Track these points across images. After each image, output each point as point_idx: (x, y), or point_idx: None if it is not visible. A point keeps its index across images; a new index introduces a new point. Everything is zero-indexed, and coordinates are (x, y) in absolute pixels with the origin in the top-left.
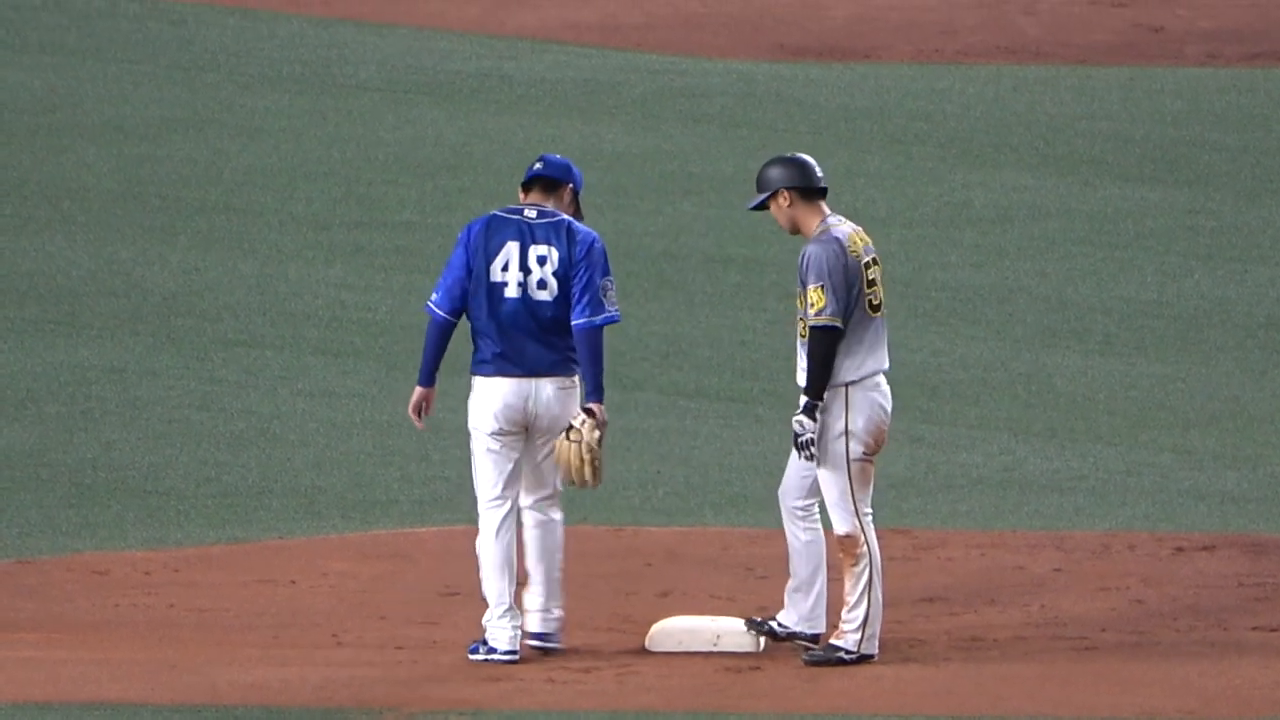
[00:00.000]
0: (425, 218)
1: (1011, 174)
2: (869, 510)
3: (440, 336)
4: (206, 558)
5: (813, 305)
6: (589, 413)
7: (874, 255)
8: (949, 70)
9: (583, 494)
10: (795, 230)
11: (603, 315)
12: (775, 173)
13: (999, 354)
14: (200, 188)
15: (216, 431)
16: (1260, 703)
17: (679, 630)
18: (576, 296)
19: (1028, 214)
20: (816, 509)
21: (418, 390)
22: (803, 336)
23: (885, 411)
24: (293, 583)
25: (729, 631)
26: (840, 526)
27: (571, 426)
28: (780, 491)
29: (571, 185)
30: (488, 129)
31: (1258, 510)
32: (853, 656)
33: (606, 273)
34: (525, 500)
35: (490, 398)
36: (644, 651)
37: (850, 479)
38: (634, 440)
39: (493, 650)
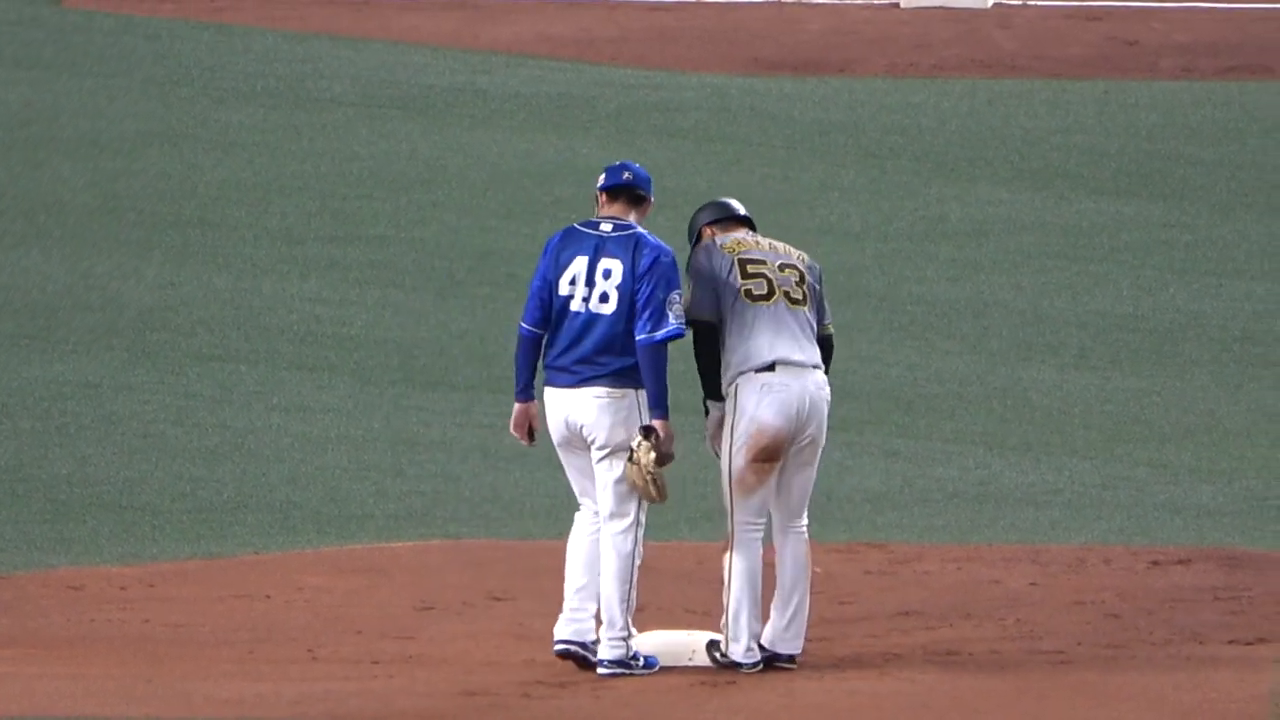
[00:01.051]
0: (400, 232)
1: (987, 188)
2: (749, 522)
3: (527, 350)
4: (182, 573)
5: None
6: (647, 430)
7: (775, 258)
8: (924, 84)
9: (557, 509)
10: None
11: (664, 330)
12: (696, 218)
13: (974, 368)
14: (175, 202)
15: (191, 446)
16: (1235, 717)
17: (655, 644)
18: (640, 310)
19: (1003, 228)
20: (804, 524)
21: (517, 407)
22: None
23: (775, 412)
24: (268, 597)
25: (704, 646)
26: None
27: (632, 449)
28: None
29: (650, 200)
30: (462, 143)
31: (1233, 524)
32: (722, 660)
33: (673, 286)
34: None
35: (548, 409)
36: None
37: (730, 482)
38: None
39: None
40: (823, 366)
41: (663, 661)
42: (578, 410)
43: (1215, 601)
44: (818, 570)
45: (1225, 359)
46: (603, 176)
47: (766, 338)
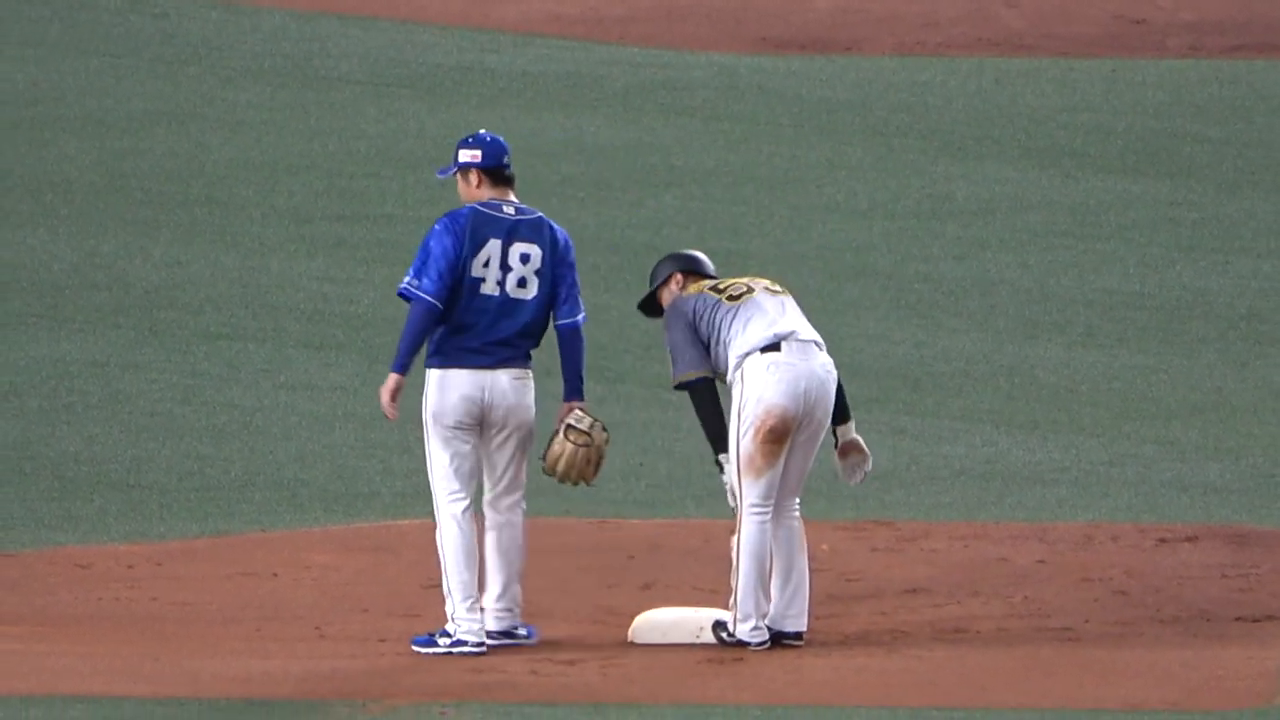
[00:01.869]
0: (407, 210)
1: (994, 166)
2: (758, 503)
3: (428, 324)
4: (189, 551)
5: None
6: (580, 411)
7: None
8: (931, 63)
9: (563, 487)
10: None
11: (581, 313)
12: (662, 267)
13: (981, 346)
14: (182, 181)
15: (199, 425)
16: (1244, 694)
17: (662, 622)
18: (562, 296)
19: (1010, 206)
20: (797, 505)
21: (395, 378)
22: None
23: (783, 391)
24: (275, 576)
25: (711, 626)
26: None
27: (572, 427)
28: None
29: None
30: (470, 122)
31: (1240, 501)
32: (730, 640)
33: (576, 268)
34: (486, 496)
35: (450, 390)
36: (627, 644)
37: (739, 461)
38: (616, 433)
39: (461, 643)
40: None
41: (670, 639)
42: (494, 391)
43: (1223, 579)
44: (825, 548)
45: (1232, 336)
46: (477, 153)
47: (763, 320)
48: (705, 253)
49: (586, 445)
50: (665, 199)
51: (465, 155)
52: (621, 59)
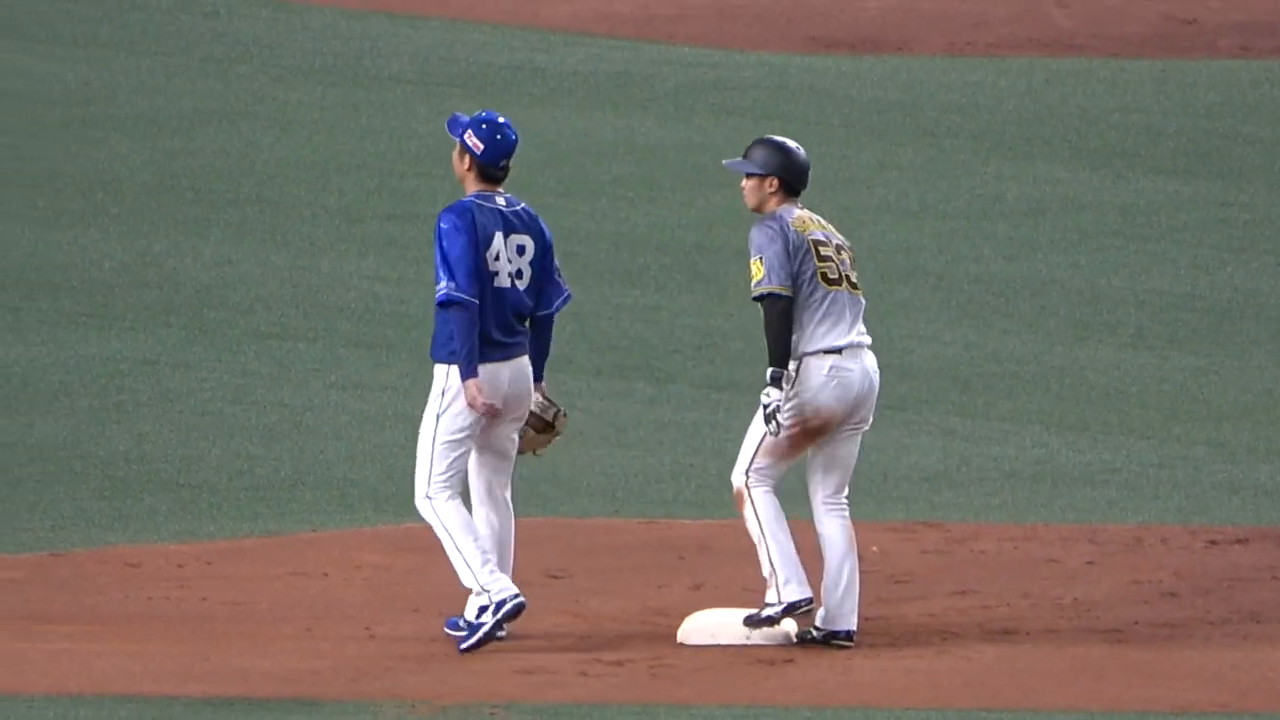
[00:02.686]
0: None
1: (1044, 166)
2: (764, 477)
3: (475, 322)
4: (239, 550)
5: (752, 278)
6: (543, 398)
7: (839, 242)
8: (982, 63)
9: (613, 488)
10: (758, 209)
11: (561, 298)
12: (775, 159)
13: (1032, 347)
14: (233, 180)
15: (249, 424)
16: None
17: (712, 623)
18: (546, 283)
19: (1060, 206)
20: (845, 500)
21: (473, 383)
22: None
23: (835, 397)
24: (325, 575)
25: (743, 621)
26: (733, 479)
27: (538, 416)
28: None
29: None
30: (520, 121)
31: None
32: (779, 609)
33: None
34: (492, 484)
35: (489, 384)
36: (677, 645)
37: (760, 440)
38: (667, 433)
39: (501, 604)
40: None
41: (719, 640)
42: (513, 380)
43: (1273, 581)
44: (874, 549)
45: None
46: (481, 146)
47: (837, 321)
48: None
49: (547, 431)
50: (715, 199)
51: (470, 140)
52: (672, 58)
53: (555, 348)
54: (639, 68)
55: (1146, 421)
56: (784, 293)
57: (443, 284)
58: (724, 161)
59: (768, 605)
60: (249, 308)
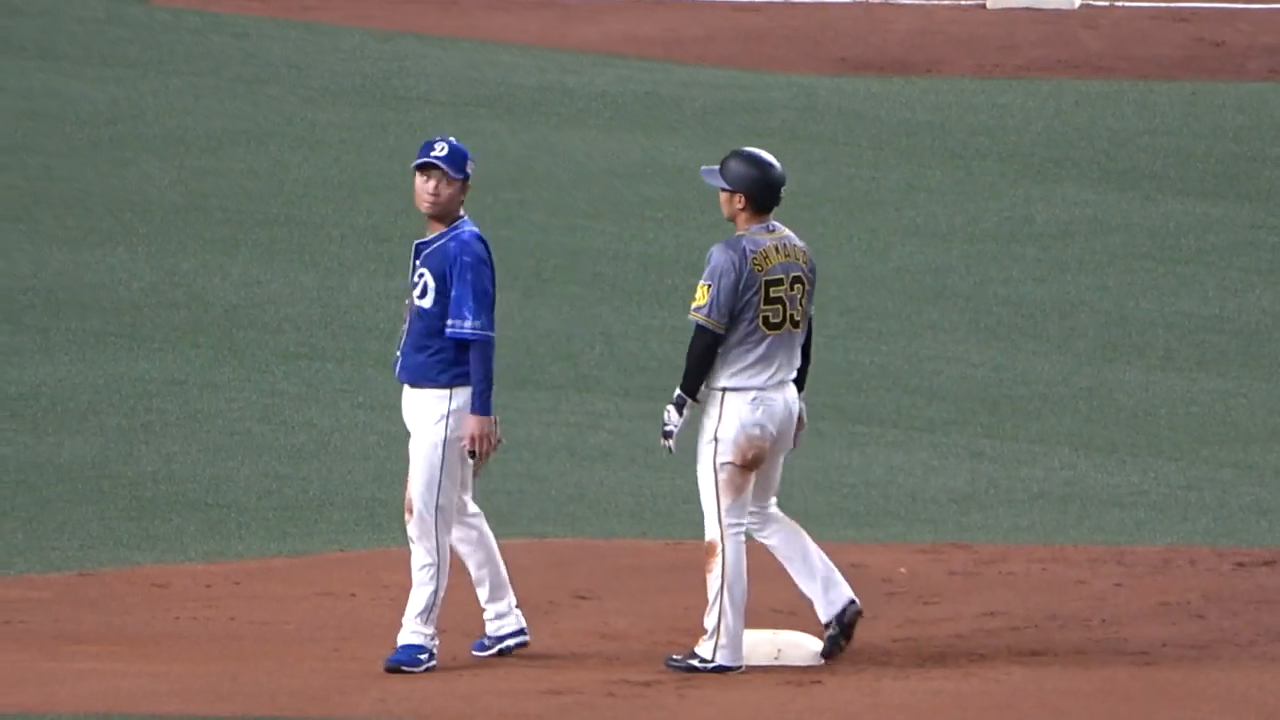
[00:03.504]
0: (486, 231)
1: (1073, 189)
2: (736, 522)
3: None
4: (267, 570)
5: (695, 301)
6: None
7: (798, 274)
8: (1010, 85)
9: (641, 509)
10: (730, 220)
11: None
12: (743, 173)
13: (1060, 369)
14: (262, 200)
15: (277, 444)
16: None
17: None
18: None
19: (1089, 229)
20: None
21: (490, 420)
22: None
23: (762, 429)
24: (353, 595)
25: (790, 645)
26: (706, 531)
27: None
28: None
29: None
30: (550, 142)
31: None
32: (708, 665)
33: None
34: (472, 508)
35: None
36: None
37: (716, 485)
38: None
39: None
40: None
41: (748, 661)
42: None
43: None
44: (902, 570)
45: None
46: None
47: (770, 362)
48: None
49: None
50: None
51: (470, 169)
52: (700, 80)
53: (584, 368)
54: (668, 89)
55: (1175, 443)
56: (718, 330)
57: (475, 322)
58: (702, 169)
59: (697, 654)
60: (277, 328)
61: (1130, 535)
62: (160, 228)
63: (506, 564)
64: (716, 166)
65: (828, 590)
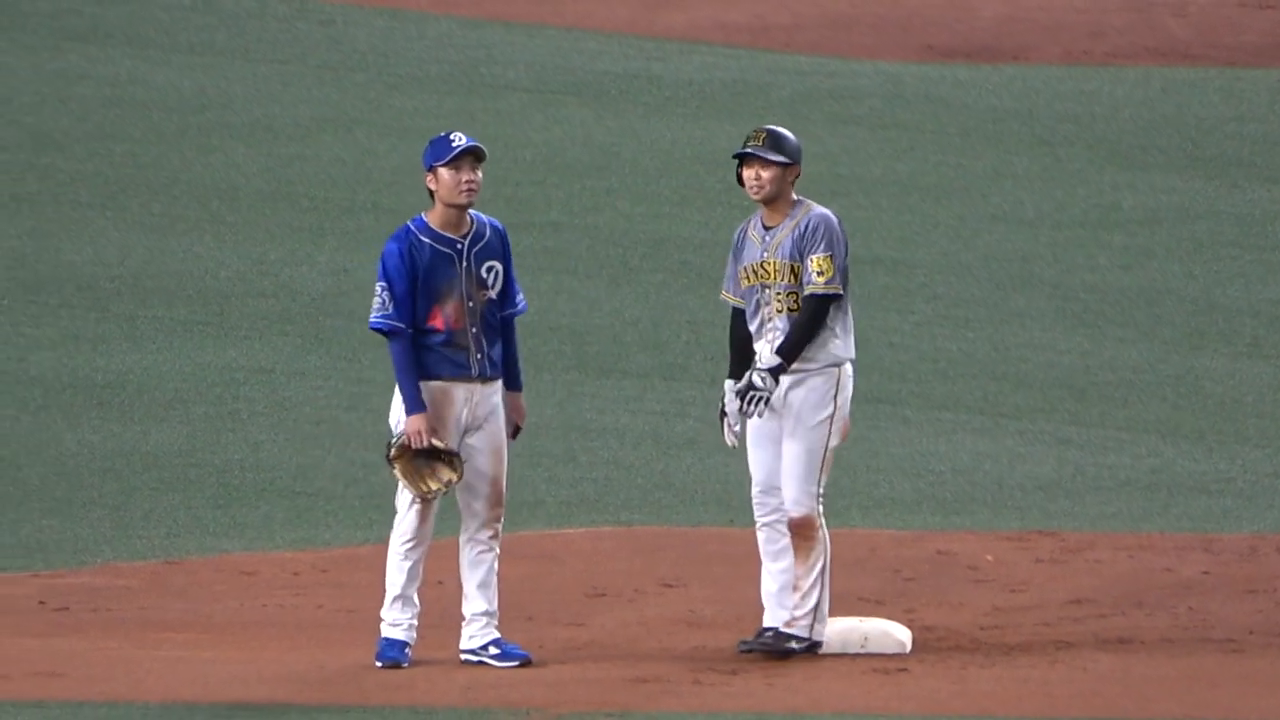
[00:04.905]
0: (573, 218)
1: (1160, 176)
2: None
3: None
4: (354, 558)
5: (821, 273)
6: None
7: None
8: (1097, 72)
9: (729, 496)
10: (772, 200)
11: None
12: (798, 145)
13: (1147, 356)
14: (349, 188)
15: (365, 432)
16: None
17: (827, 632)
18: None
19: (1176, 216)
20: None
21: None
22: (791, 312)
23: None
24: (440, 583)
25: (877, 633)
26: (797, 509)
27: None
28: (758, 491)
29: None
30: (636, 130)
31: None
32: (804, 645)
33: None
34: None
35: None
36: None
37: (823, 463)
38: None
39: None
40: None
41: (834, 649)
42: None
43: None
44: (989, 558)
45: None
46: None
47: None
48: (870, 261)
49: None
50: (831, 207)
51: None
52: (787, 67)
53: (670, 356)
54: (755, 76)
55: (1262, 431)
56: (843, 294)
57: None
58: (747, 148)
59: (793, 635)
60: (365, 316)
61: (1217, 523)
62: (247, 216)
63: (598, 552)
64: (751, 148)
65: (781, 600)
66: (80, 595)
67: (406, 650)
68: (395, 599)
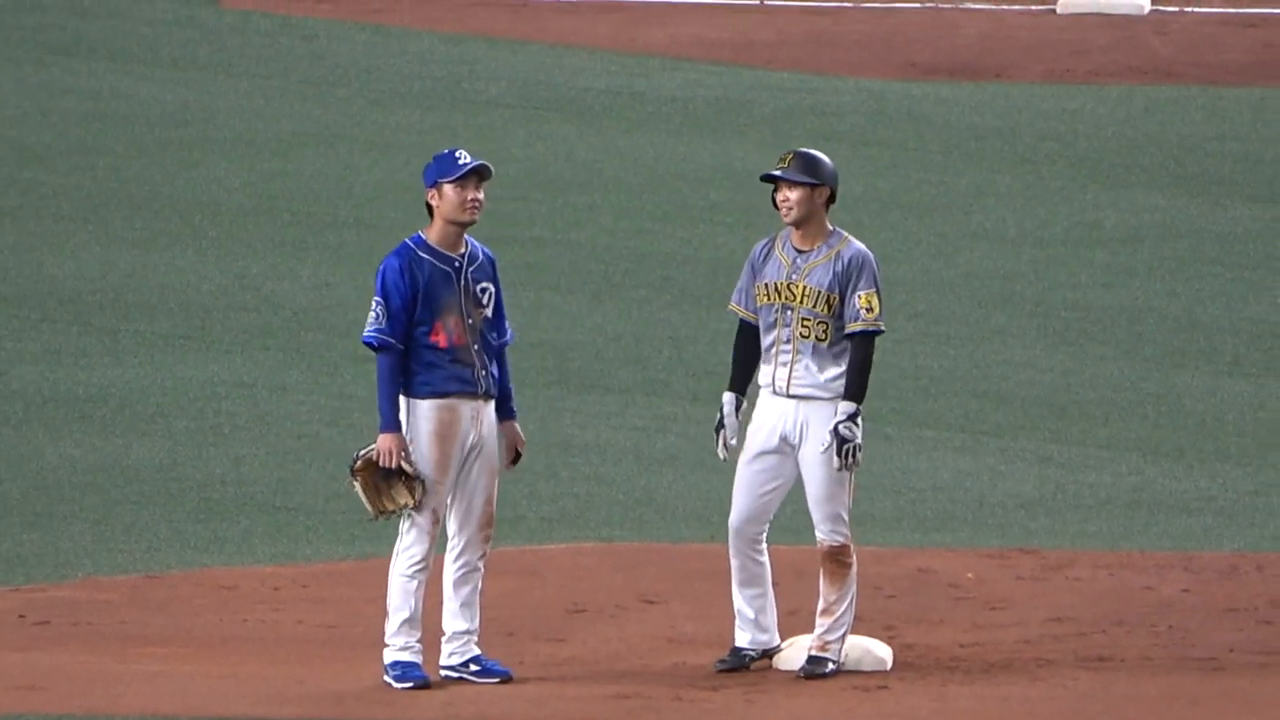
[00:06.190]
0: (555, 234)
1: (1142, 194)
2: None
3: None
4: (335, 573)
5: (870, 310)
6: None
7: None
8: (1080, 90)
9: (709, 513)
10: (803, 221)
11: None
12: (832, 168)
13: (1128, 374)
14: (331, 203)
15: (345, 447)
16: None
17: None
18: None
19: (1158, 234)
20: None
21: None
22: (819, 340)
23: None
24: None
25: (857, 650)
26: (835, 538)
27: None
28: (740, 521)
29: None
30: (619, 146)
31: None
32: (836, 667)
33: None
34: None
35: None
36: (772, 670)
37: (849, 490)
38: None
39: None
40: None
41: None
42: None
43: None
44: (969, 576)
45: None
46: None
47: None
48: None
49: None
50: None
51: None
52: (770, 84)
53: (653, 372)
54: (737, 93)
55: (1243, 449)
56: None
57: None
58: (777, 171)
59: (827, 660)
60: (346, 330)
61: (1198, 541)
62: (229, 230)
63: (578, 568)
64: (779, 170)
65: (774, 626)
66: (61, 609)
67: (421, 670)
68: (404, 622)
